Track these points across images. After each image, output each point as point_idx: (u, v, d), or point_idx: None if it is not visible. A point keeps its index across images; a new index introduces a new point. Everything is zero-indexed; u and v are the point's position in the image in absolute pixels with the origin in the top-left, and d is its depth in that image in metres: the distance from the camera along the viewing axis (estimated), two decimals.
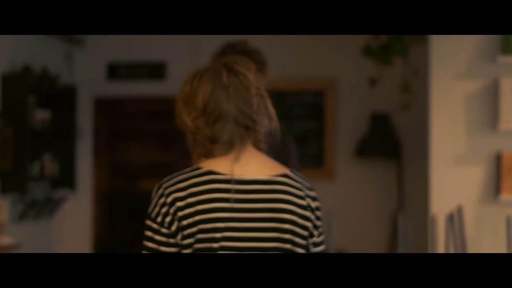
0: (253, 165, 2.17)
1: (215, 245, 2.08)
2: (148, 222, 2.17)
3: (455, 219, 5.22)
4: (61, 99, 7.06)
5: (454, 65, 5.46)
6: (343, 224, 6.59)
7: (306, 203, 2.18)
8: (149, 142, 7.59)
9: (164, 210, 2.14)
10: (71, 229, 7.41)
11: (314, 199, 2.22)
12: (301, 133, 6.97)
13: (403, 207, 6.77)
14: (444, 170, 5.49)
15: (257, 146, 2.24)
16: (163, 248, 2.12)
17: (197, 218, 2.09)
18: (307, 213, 2.17)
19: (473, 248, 5.34)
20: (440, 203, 5.45)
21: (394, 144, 6.80)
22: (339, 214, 6.18)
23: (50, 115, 6.79)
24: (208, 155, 2.18)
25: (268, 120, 2.26)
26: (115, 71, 7.47)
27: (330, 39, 6.88)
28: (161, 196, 2.16)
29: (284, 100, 7.12)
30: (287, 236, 2.13)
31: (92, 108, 7.50)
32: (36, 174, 6.60)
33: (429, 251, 5.47)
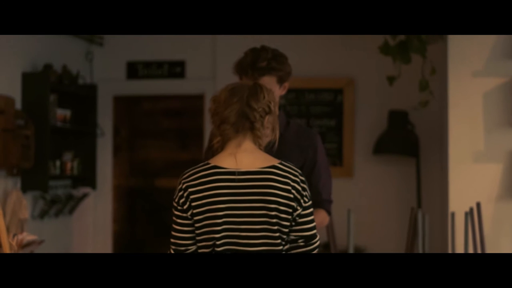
0: (248, 160, 2.86)
1: (219, 220, 2.80)
2: (173, 202, 2.90)
3: (473, 216, 5.23)
4: (81, 97, 7.12)
5: (472, 63, 5.48)
6: (361, 222, 6.61)
7: (290, 187, 2.83)
8: (168, 140, 7.62)
9: (180, 194, 2.87)
10: (92, 226, 7.47)
11: (302, 181, 2.87)
12: (319, 131, 6.98)
13: (422, 204, 6.77)
14: (463, 168, 5.51)
15: (259, 147, 2.92)
16: (178, 220, 2.88)
17: (204, 200, 2.82)
18: (290, 195, 2.82)
19: (491, 244, 5.35)
20: (459, 200, 5.46)
21: (413, 141, 6.81)
22: (357, 212, 6.20)
23: (70, 114, 6.85)
24: (219, 149, 2.92)
25: (271, 130, 2.95)
26: (134, 70, 7.52)
27: (349, 37, 6.89)
28: (179, 184, 2.89)
29: (303, 98, 7.14)
30: (273, 213, 2.80)
31: (111, 106, 7.55)
32: (57, 172, 6.66)
33: (449, 248, 5.48)
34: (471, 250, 5.25)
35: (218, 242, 2.81)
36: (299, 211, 2.85)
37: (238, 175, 2.83)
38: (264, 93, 2.91)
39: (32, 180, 6.28)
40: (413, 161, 6.91)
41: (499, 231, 5.44)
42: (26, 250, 4.29)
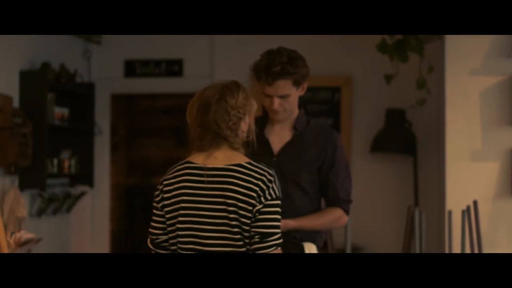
0: (218, 158, 2.98)
1: (182, 212, 2.96)
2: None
3: (470, 214, 5.24)
4: (79, 96, 7.12)
5: (470, 61, 5.48)
6: (358, 220, 6.62)
7: (251, 185, 2.92)
8: (165, 138, 7.62)
9: (158, 186, 3.08)
10: (89, 224, 7.47)
11: (269, 181, 2.95)
12: None
13: (419, 202, 6.78)
14: (460, 166, 5.51)
15: (234, 149, 3.01)
16: (154, 211, 3.07)
17: (174, 192, 3.00)
18: (252, 193, 2.91)
19: (488, 242, 5.36)
20: (456, 199, 5.46)
21: (410, 140, 6.82)
22: (354, 210, 6.19)
23: (68, 112, 6.85)
24: (197, 149, 3.04)
25: (244, 133, 3.03)
26: (132, 68, 7.52)
27: (346, 36, 6.89)
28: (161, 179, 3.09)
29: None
30: (231, 208, 2.91)
31: (109, 104, 7.56)
32: (54, 170, 6.66)
33: (446, 246, 5.49)
34: (468, 248, 5.26)
35: (181, 233, 2.97)
36: (258, 207, 2.92)
37: (206, 171, 2.97)
38: (230, 101, 2.98)
39: (30, 178, 6.28)
40: (410, 159, 6.92)
41: (496, 229, 5.45)
42: (24, 249, 4.29)
